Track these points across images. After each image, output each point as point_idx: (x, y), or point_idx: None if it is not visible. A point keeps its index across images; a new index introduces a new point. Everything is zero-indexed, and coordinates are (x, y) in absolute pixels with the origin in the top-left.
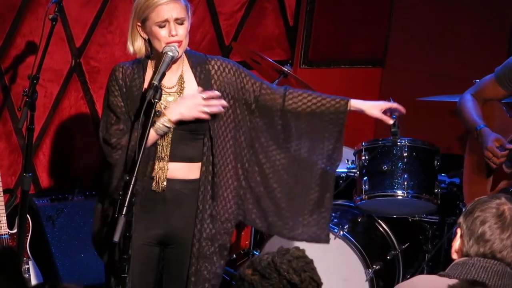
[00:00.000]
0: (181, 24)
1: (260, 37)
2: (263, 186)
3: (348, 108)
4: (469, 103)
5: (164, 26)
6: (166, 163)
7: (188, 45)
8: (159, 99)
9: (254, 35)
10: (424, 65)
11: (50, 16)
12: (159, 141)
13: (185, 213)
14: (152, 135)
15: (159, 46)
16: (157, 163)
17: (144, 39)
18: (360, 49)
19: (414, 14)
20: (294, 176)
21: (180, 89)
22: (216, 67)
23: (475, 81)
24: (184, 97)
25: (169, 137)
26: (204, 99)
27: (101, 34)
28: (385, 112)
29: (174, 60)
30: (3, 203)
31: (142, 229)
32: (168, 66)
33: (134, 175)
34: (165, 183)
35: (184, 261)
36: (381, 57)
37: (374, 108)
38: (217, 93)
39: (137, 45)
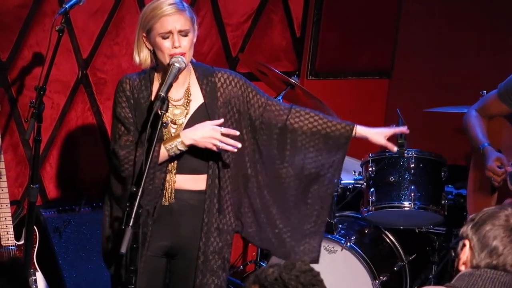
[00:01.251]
0: (185, 36)
1: (267, 49)
2: (260, 202)
3: (353, 135)
4: (473, 120)
5: (167, 38)
6: (173, 175)
7: (195, 57)
8: (166, 111)
9: (261, 47)
10: (430, 76)
11: (57, 28)
12: None
13: (191, 224)
14: (163, 154)
15: (163, 57)
16: (167, 175)
17: (149, 50)
18: (367, 60)
19: (421, 25)
20: (292, 196)
21: (187, 102)
22: (222, 79)
23: (482, 93)
24: (203, 125)
25: None
26: (222, 134)
27: (108, 46)
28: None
29: (180, 72)
30: (10, 214)
31: (149, 240)
32: (175, 78)
33: (141, 186)
34: (173, 195)
35: (190, 273)
36: (388, 68)
37: (378, 135)
38: (236, 132)
39: (142, 56)
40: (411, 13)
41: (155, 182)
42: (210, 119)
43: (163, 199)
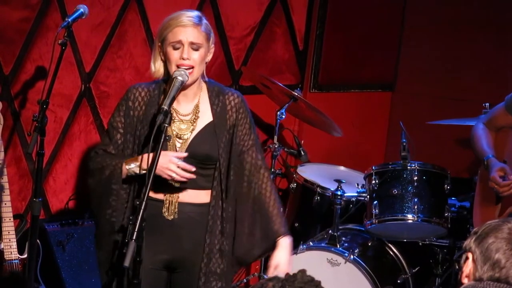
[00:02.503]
0: (196, 50)
1: (270, 62)
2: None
3: (276, 241)
4: (480, 132)
5: (178, 48)
6: (176, 190)
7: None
8: (169, 124)
9: (264, 60)
10: (434, 89)
11: (60, 41)
12: None
13: (192, 238)
14: (123, 171)
15: (170, 68)
16: (167, 188)
17: (163, 61)
18: (370, 73)
19: (424, 38)
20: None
21: (194, 118)
22: (233, 103)
23: (485, 105)
24: (166, 154)
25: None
26: (178, 166)
27: (110, 59)
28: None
29: (185, 86)
30: (13, 228)
31: (149, 253)
32: (180, 92)
33: (144, 200)
34: (176, 210)
35: (191, 286)
36: (391, 81)
37: (276, 260)
38: (192, 168)
39: (157, 66)
40: (414, 26)
41: (119, 198)
42: (217, 138)
43: (166, 213)
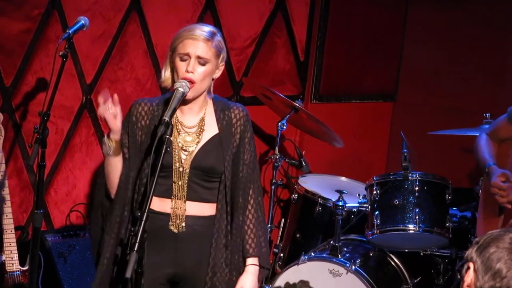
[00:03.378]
0: (203, 64)
1: (271, 72)
2: None
3: (246, 259)
4: (482, 142)
5: (185, 60)
6: (183, 202)
7: None
8: (170, 135)
9: (264, 71)
10: (435, 99)
11: (61, 53)
12: (175, 180)
13: (197, 252)
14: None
15: (176, 79)
16: (173, 202)
17: (172, 71)
18: (371, 84)
19: (425, 49)
20: None
21: (200, 131)
22: (238, 116)
23: (486, 115)
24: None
25: (186, 177)
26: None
27: (112, 71)
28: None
29: (189, 100)
30: (14, 240)
31: (154, 267)
32: (186, 105)
33: (146, 211)
34: (183, 223)
35: None
36: (392, 91)
37: (240, 283)
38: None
39: (166, 74)
40: (415, 36)
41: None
42: (223, 150)
43: (172, 226)
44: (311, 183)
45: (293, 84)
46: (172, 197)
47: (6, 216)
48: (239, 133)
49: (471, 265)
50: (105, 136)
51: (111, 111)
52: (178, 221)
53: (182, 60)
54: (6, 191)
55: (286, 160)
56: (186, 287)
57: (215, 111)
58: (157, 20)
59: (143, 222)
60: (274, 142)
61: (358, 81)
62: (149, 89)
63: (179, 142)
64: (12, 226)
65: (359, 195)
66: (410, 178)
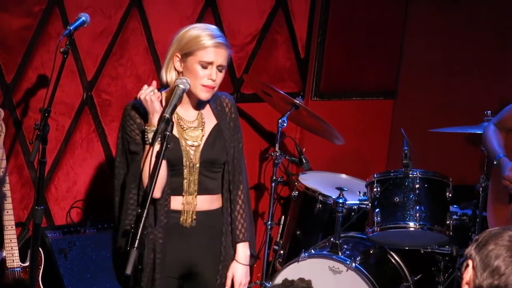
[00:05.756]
0: (220, 71)
1: (271, 70)
2: None
3: (236, 244)
4: (491, 133)
5: (206, 67)
6: (194, 197)
7: None
8: (171, 132)
9: (265, 68)
10: (435, 96)
11: (62, 49)
12: (186, 176)
13: (209, 242)
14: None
15: (192, 83)
16: (184, 198)
17: (178, 72)
18: (372, 81)
19: (425, 45)
20: None
21: (202, 124)
22: (229, 105)
23: (487, 112)
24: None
25: (196, 172)
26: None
27: (112, 67)
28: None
29: (199, 99)
30: (15, 236)
31: (165, 262)
32: (190, 101)
33: (146, 208)
34: (194, 217)
35: None
36: (393, 88)
37: (231, 269)
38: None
39: (169, 76)
40: (415, 33)
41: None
42: (225, 140)
43: (183, 221)
44: (311, 180)
45: (294, 81)
46: (183, 193)
47: (7, 212)
48: (232, 120)
49: (470, 262)
50: (145, 126)
51: (151, 93)
52: (189, 216)
53: (203, 67)
54: (6, 188)
55: (287, 157)
56: (199, 278)
57: (209, 102)
58: (158, 17)
59: (143, 219)
60: (274, 139)
61: (358, 78)
62: (149, 85)
63: (186, 138)
64: (13, 223)
65: (359, 192)
66: (410, 175)
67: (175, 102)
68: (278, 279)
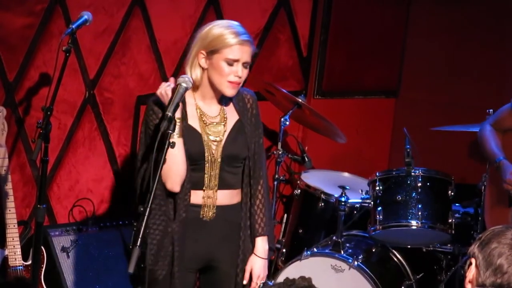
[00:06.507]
0: (246, 68)
1: (274, 68)
2: None
3: (255, 238)
4: (488, 134)
5: (232, 65)
6: (215, 191)
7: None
8: (173, 131)
9: (267, 66)
10: (437, 95)
11: (64, 48)
12: (207, 171)
13: (228, 236)
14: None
15: (218, 79)
16: (205, 192)
17: (203, 69)
18: (374, 80)
19: (427, 44)
20: None
21: (224, 119)
22: (250, 101)
23: (489, 111)
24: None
25: (218, 167)
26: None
27: (114, 66)
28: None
29: (223, 95)
30: (17, 235)
31: (186, 255)
32: (204, 96)
33: (149, 206)
34: (214, 210)
35: (228, 284)
36: (395, 87)
37: (250, 263)
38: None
39: (194, 74)
40: (417, 32)
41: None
42: (246, 136)
43: (204, 216)
44: (313, 178)
45: (296, 79)
46: (204, 188)
47: (9, 211)
48: (253, 116)
49: (473, 260)
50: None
51: (169, 86)
52: (209, 210)
53: (229, 64)
54: (9, 186)
55: (289, 155)
56: (219, 272)
57: (231, 98)
58: (160, 15)
59: (145, 217)
60: (276, 138)
61: (360, 77)
62: (152, 84)
63: (209, 133)
64: (15, 221)
65: (361, 190)
66: (412, 174)
67: (178, 100)
68: (280, 278)
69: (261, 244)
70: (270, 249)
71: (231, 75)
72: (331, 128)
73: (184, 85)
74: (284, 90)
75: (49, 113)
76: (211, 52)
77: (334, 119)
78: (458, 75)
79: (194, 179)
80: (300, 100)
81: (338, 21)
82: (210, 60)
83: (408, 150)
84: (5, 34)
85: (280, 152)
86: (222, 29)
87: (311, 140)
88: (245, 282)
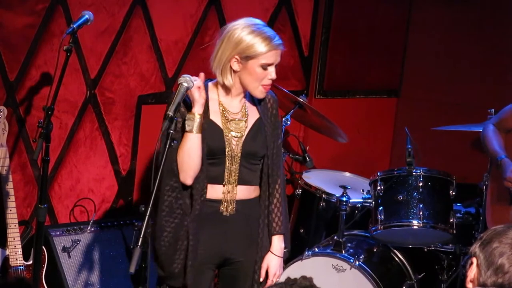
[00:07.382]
0: (276, 67)
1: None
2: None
3: (272, 236)
4: (490, 133)
5: (266, 69)
6: (235, 186)
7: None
8: (175, 130)
9: None
10: (439, 95)
11: (65, 47)
12: (227, 166)
13: (246, 233)
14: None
15: (252, 84)
16: (225, 187)
17: (235, 71)
18: (375, 79)
19: (429, 44)
20: None
21: (245, 115)
22: (271, 101)
23: (490, 111)
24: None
25: (237, 162)
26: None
27: (116, 65)
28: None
29: (249, 94)
30: (18, 234)
31: (204, 251)
32: (228, 92)
33: (150, 207)
34: (234, 206)
35: (242, 283)
36: (396, 87)
37: (266, 261)
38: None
39: (228, 80)
40: (419, 32)
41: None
42: (266, 134)
43: (223, 210)
44: (315, 178)
45: (297, 79)
46: (224, 183)
47: (10, 210)
48: (273, 116)
49: (474, 260)
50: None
51: (196, 83)
52: (229, 205)
53: (264, 68)
54: (10, 186)
55: (290, 155)
56: (237, 268)
57: (251, 96)
58: (161, 15)
59: (147, 217)
60: None
61: (362, 77)
62: (153, 83)
63: (230, 129)
64: (16, 221)
65: (363, 190)
66: (414, 173)
67: (179, 100)
68: (282, 277)
69: (278, 243)
70: (286, 249)
71: (265, 78)
72: (333, 127)
73: (185, 84)
74: (286, 90)
75: (50, 112)
76: (246, 58)
77: (336, 118)
78: (460, 75)
79: (212, 174)
80: (301, 100)
81: (339, 20)
82: (243, 64)
83: (410, 149)
84: (6, 34)
85: None
86: (255, 34)
87: (313, 140)
88: (261, 279)
